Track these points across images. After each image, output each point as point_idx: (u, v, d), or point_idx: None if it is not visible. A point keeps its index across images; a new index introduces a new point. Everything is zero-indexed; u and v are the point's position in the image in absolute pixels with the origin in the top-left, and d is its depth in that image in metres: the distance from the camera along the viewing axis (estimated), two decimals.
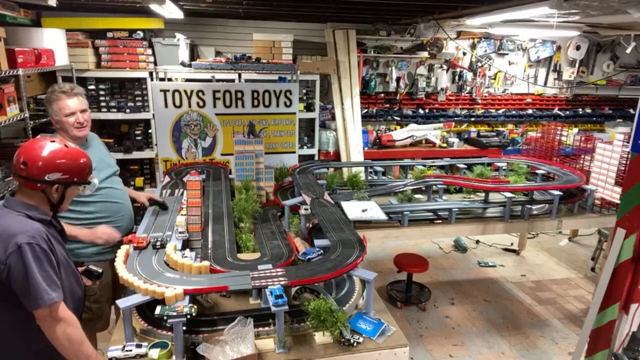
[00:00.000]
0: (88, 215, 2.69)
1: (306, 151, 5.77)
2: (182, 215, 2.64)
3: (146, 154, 5.27)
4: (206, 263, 2.12)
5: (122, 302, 1.82)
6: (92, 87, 4.94)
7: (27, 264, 1.67)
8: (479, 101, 6.76)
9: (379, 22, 6.00)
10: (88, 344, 1.78)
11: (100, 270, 2.21)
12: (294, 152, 4.49)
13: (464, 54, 6.52)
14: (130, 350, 1.78)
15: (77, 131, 2.62)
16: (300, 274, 2.05)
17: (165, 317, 1.72)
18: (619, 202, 2.73)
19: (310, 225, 3.01)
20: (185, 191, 2.79)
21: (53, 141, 1.86)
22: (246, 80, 5.11)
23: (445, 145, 6.35)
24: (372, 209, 3.13)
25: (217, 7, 4.63)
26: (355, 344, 1.93)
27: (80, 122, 2.61)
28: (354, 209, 3.11)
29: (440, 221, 3.51)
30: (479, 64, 6.55)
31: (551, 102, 7.07)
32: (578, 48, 6.60)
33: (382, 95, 6.41)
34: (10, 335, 1.80)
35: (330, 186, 3.73)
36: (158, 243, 2.30)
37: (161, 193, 3.20)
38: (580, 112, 7.11)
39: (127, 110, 5.05)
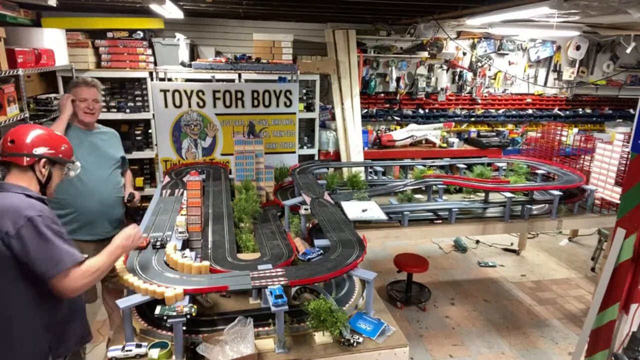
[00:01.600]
0: None
1: (306, 151, 5.76)
2: (182, 215, 2.64)
3: (146, 154, 5.27)
4: (206, 263, 2.12)
5: (122, 302, 1.82)
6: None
7: (42, 232, 1.74)
8: (479, 101, 6.76)
9: (379, 22, 6.00)
10: (100, 261, 1.86)
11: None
12: (294, 152, 4.49)
13: (464, 54, 6.52)
14: (130, 350, 1.78)
15: (85, 116, 3.03)
16: (300, 274, 2.05)
17: (165, 317, 1.72)
18: (619, 202, 2.73)
19: (310, 225, 3.01)
20: (185, 191, 2.79)
21: (40, 126, 2.02)
22: (246, 80, 5.11)
23: (445, 145, 6.35)
24: (372, 209, 3.13)
25: (217, 7, 4.63)
26: (355, 344, 1.93)
27: (90, 109, 3.04)
28: (354, 209, 3.11)
29: (440, 221, 3.51)
30: (479, 64, 6.55)
31: (551, 102, 7.07)
32: (578, 48, 6.60)
33: (382, 95, 6.41)
34: (26, 309, 1.82)
35: (330, 186, 3.73)
36: (158, 243, 2.30)
37: (161, 193, 3.21)
38: (580, 112, 7.11)
39: (127, 110, 5.05)
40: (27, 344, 1.84)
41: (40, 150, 1.91)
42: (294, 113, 4.39)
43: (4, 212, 1.74)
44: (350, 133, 5.90)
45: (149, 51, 5.06)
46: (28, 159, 1.89)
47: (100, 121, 3.33)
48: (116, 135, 3.36)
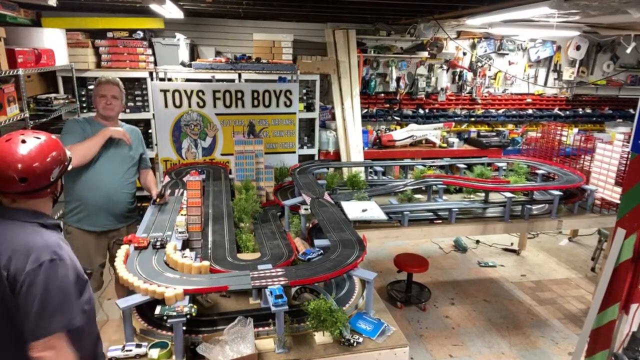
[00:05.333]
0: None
1: (306, 151, 5.77)
2: (182, 215, 2.64)
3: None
4: (206, 263, 2.12)
5: (122, 302, 1.82)
6: (92, 87, 4.93)
7: (46, 283, 1.48)
8: (479, 101, 6.76)
9: (379, 22, 6.00)
10: None
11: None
12: (294, 152, 4.50)
13: (464, 54, 6.52)
14: (130, 350, 1.78)
15: (104, 110, 3.17)
16: (300, 274, 2.05)
17: (165, 317, 1.72)
18: (619, 202, 2.73)
19: (310, 225, 3.01)
20: (185, 191, 2.79)
21: (24, 142, 1.60)
22: (246, 80, 5.11)
23: (445, 145, 6.35)
24: (372, 209, 3.13)
25: (217, 7, 4.63)
26: (355, 344, 1.93)
27: (108, 103, 3.18)
28: (354, 209, 3.11)
29: (440, 221, 3.51)
30: (479, 64, 6.55)
31: (551, 102, 7.07)
32: (578, 48, 6.60)
33: (382, 95, 6.41)
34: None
35: (330, 186, 3.73)
36: (158, 243, 2.30)
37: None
38: (580, 112, 7.11)
39: (127, 110, 5.05)
40: None
41: (55, 174, 1.66)
42: (294, 113, 4.39)
43: (12, 251, 1.50)
44: (350, 133, 5.90)
45: (149, 51, 5.06)
46: (49, 189, 1.67)
47: None
48: (137, 133, 3.40)
